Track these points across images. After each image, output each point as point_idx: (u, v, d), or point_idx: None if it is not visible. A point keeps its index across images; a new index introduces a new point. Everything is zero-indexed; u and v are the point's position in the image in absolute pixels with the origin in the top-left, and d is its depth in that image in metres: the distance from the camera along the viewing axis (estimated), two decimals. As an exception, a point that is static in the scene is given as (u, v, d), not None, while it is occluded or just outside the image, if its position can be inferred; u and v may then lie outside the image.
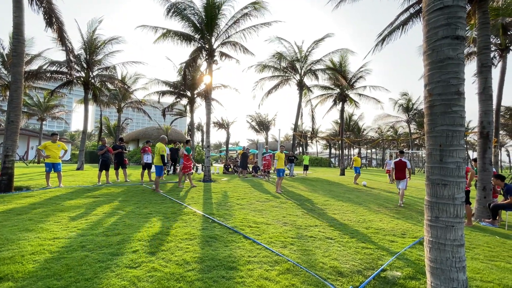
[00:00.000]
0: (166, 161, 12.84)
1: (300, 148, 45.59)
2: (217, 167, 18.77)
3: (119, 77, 22.35)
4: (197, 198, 7.17)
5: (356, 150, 60.58)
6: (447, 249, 2.01)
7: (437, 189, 2.08)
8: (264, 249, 3.57)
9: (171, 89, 20.41)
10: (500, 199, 6.77)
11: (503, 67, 13.42)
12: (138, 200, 6.47)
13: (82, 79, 16.20)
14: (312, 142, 51.80)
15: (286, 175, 16.53)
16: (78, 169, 15.13)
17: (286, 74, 18.93)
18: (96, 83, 17.21)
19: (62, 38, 9.15)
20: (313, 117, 19.28)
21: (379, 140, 36.13)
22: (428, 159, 2.18)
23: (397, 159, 8.12)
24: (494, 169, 6.48)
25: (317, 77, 18.92)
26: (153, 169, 9.75)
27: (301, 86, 18.56)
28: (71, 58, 10.20)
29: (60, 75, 15.65)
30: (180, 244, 3.58)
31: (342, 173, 19.91)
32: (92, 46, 15.88)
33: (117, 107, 24.61)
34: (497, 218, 5.88)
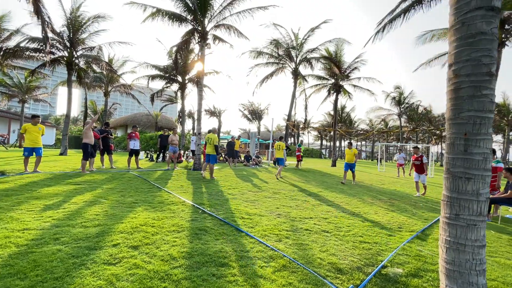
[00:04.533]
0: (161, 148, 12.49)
1: (292, 139, 45.54)
2: (208, 156, 18.39)
3: (106, 59, 21.29)
4: (187, 187, 6.86)
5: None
6: (468, 250, 1.80)
7: (460, 183, 1.84)
8: (258, 243, 3.33)
9: (161, 74, 19.59)
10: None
11: (497, 62, 13.40)
12: (123, 188, 6.10)
13: (65, 59, 15.25)
14: (303, 133, 51.86)
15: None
16: (61, 154, 14.45)
17: (281, 62, 18.44)
18: (80, 64, 16.27)
19: (38, 10, 8.38)
20: (306, 107, 19.02)
21: (373, 132, 36.44)
22: (450, 149, 1.93)
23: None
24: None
25: (312, 66, 18.55)
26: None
27: (296, 74, 18.15)
28: (48, 34, 9.38)
29: (41, 54, 14.66)
30: (167, 237, 3.29)
31: (334, 164, 19.94)
32: (76, 24, 14.88)
33: (103, 91, 23.59)
34: (490, 212, 5.86)
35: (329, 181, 10.44)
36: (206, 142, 9.09)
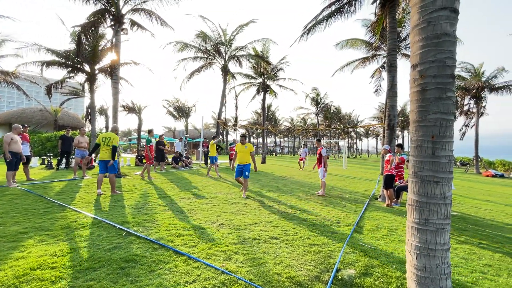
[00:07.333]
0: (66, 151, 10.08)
1: (221, 136, 45.00)
2: (127, 159, 16.11)
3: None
4: (102, 201, 5.57)
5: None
6: (437, 255, 1.78)
7: (428, 187, 1.81)
8: (205, 267, 2.79)
9: (61, 60, 15.92)
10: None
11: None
12: (4, 212, 4.44)
13: None
14: (231, 132, 52.16)
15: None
16: None
17: (210, 57, 17.69)
18: None
19: None
20: (236, 105, 18.90)
21: (301, 129, 39.58)
22: (417, 152, 1.88)
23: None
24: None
25: (241, 64, 18.51)
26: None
27: (226, 71, 17.76)
28: None
29: None
30: (77, 281, 2.38)
31: (263, 161, 20.55)
32: None
33: (-30, 78, 17.63)
34: (399, 198, 6.89)
35: (263, 179, 10.51)
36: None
